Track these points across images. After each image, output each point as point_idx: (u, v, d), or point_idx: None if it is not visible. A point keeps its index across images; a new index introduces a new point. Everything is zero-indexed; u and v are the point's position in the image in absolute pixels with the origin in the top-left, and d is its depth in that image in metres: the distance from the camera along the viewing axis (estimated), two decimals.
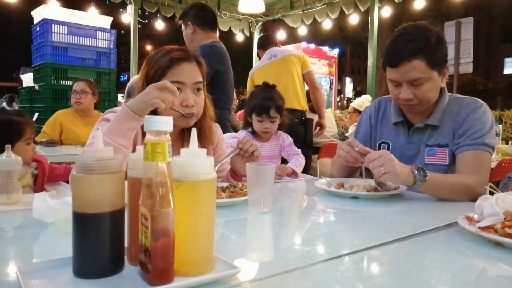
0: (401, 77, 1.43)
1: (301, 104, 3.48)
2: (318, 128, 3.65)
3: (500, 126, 3.85)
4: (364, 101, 4.51)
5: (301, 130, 3.42)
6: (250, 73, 3.79)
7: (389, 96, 1.71)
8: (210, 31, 2.79)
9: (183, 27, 2.85)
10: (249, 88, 3.71)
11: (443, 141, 1.50)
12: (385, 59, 1.47)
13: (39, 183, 1.74)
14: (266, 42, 3.77)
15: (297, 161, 2.22)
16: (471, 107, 1.48)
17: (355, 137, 1.75)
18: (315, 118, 3.68)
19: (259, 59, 3.84)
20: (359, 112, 4.39)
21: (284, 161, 2.35)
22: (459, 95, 1.59)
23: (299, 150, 2.31)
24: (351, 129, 4.49)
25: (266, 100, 2.20)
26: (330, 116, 4.28)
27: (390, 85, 1.50)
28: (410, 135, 1.58)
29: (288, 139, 2.35)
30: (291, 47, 8.96)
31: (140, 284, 0.61)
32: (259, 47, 3.88)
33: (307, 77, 3.55)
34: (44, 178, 1.76)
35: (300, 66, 3.52)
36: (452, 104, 1.53)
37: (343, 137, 1.50)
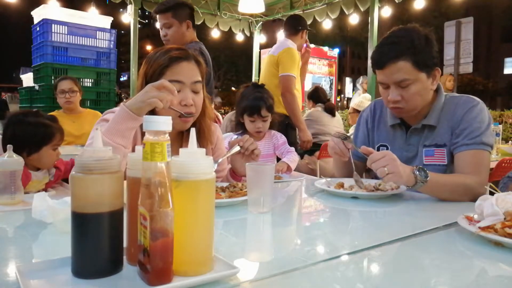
0: (387, 78, 1.44)
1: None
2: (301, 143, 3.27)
3: (500, 126, 3.84)
4: (363, 101, 4.50)
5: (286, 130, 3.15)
6: None
7: None
8: (195, 30, 2.89)
9: (171, 22, 2.73)
10: None
11: (440, 141, 1.50)
12: (372, 61, 1.50)
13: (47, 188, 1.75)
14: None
15: (291, 157, 2.26)
16: (467, 105, 1.48)
17: (355, 140, 1.75)
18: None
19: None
20: (358, 112, 4.39)
21: (278, 160, 2.38)
22: (455, 94, 1.59)
23: (293, 148, 2.35)
24: (352, 130, 4.49)
25: (257, 100, 2.23)
26: (337, 116, 4.30)
27: (380, 87, 1.53)
28: (408, 137, 1.57)
29: (281, 138, 2.39)
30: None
31: (139, 284, 0.61)
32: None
33: (281, 81, 3.16)
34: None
35: (276, 68, 3.21)
36: (448, 103, 1.52)
37: (344, 137, 1.49)
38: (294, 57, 3.19)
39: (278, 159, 2.39)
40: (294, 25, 3.35)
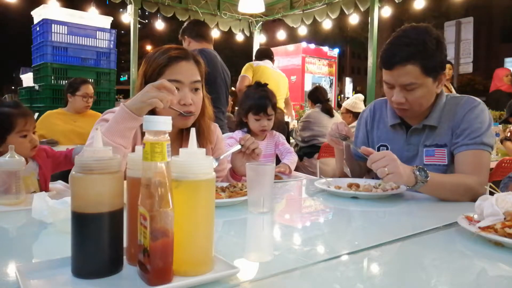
0: (394, 80, 1.42)
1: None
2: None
3: (500, 126, 3.83)
4: (355, 101, 4.44)
5: (285, 129, 4.06)
6: (254, 63, 4.22)
7: (384, 98, 1.71)
8: (204, 42, 3.16)
9: (183, 42, 3.25)
10: (246, 71, 4.15)
11: (441, 141, 1.50)
12: (381, 60, 1.46)
13: (41, 188, 1.69)
14: (263, 55, 4.40)
15: (291, 158, 2.29)
16: (468, 106, 1.48)
17: (355, 141, 1.75)
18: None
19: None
20: (351, 112, 4.35)
21: (277, 158, 2.41)
22: (456, 95, 1.58)
23: (292, 149, 2.38)
24: None
25: (263, 98, 2.25)
26: (337, 116, 4.30)
27: (384, 86, 1.51)
28: (409, 137, 1.57)
29: (281, 136, 2.42)
30: (291, 47, 8.97)
31: (139, 284, 0.61)
32: (256, 58, 4.44)
33: (287, 100, 4.69)
34: (47, 183, 1.69)
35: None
36: (449, 103, 1.52)
37: (344, 137, 1.49)
38: None
39: (277, 157, 2.41)
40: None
